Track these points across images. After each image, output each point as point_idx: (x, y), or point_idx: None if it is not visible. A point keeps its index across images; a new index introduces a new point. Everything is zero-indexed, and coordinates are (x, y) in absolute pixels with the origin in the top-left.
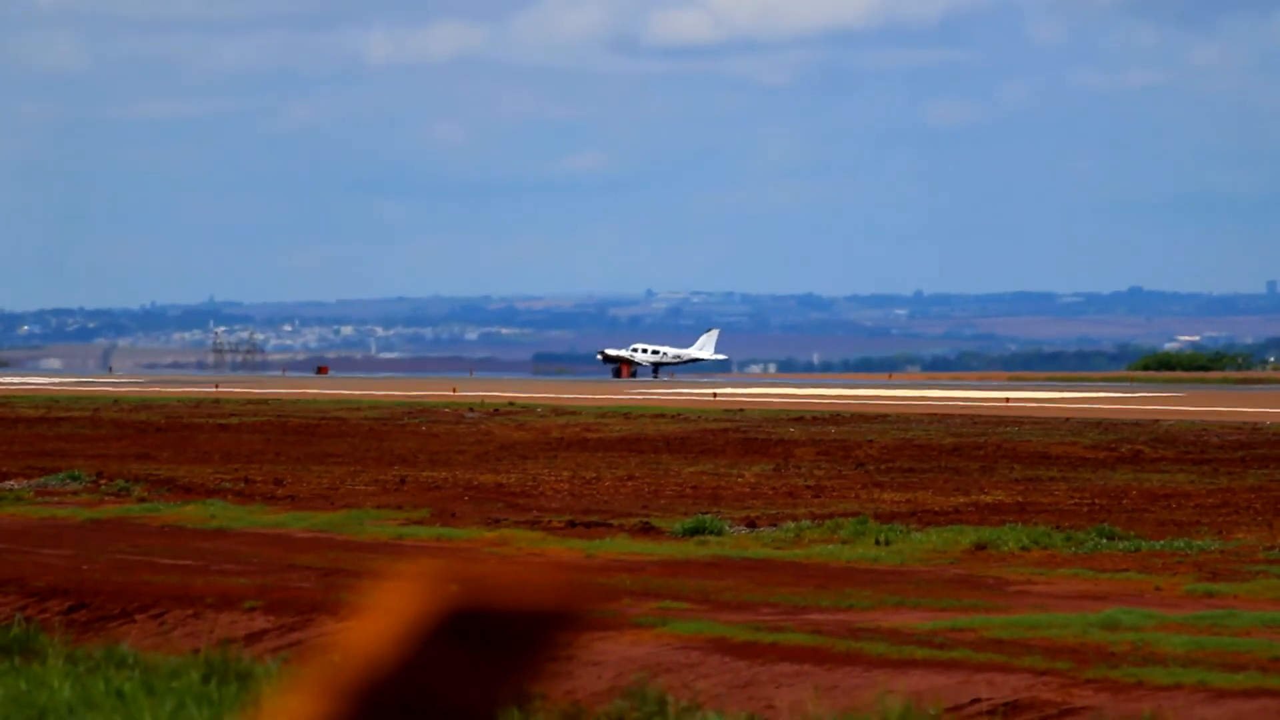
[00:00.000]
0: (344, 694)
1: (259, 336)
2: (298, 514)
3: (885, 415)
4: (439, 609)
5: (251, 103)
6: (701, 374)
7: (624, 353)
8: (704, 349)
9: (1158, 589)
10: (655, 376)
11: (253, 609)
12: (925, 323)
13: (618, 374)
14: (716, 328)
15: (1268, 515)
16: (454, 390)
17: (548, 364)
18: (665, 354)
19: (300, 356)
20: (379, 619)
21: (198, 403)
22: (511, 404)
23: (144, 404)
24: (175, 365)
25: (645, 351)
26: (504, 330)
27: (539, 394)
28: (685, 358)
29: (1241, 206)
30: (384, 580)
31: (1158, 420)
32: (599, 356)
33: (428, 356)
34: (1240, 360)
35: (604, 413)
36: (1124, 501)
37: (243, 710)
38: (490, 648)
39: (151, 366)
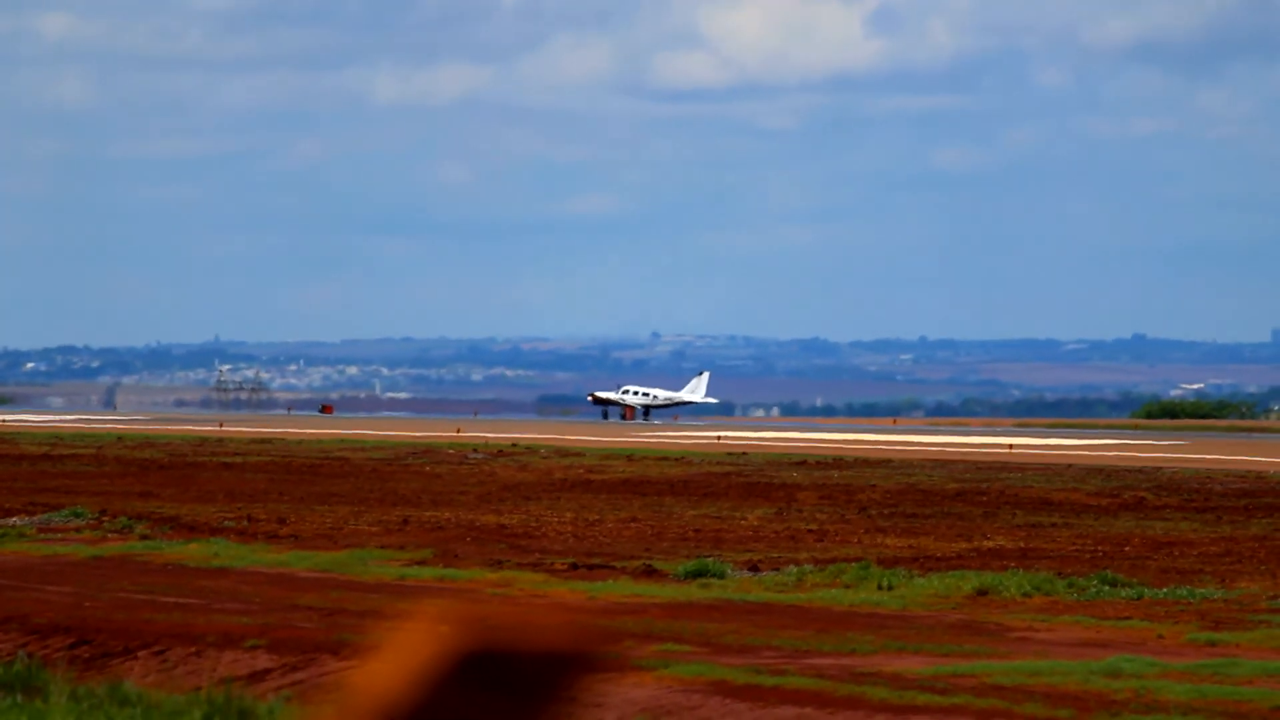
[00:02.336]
0: None
1: (264, 375)
2: (301, 553)
3: (888, 460)
4: (452, 650)
5: (258, 142)
6: (704, 417)
7: (614, 395)
8: (695, 392)
9: (1160, 637)
10: (646, 419)
11: (255, 648)
12: (929, 368)
13: (605, 415)
14: (707, 371)
15: (1271, 564)
16: (458, 431)
17: (552, 405)
18: (656, 396)
19: (305, 396)
20: (392, 660)
21: (201, 441)
22: (515, 445)
23: (148, 442)
24: (179, 404)
25: (635, 394)
26: (509, 372)
27: (543, 435)
28: (676, 400)
29: (1247, 254)
30: (396, 621)
31: (1161, 468)
32: (589, 399)
33: (432, 397)
34: (1244, 409)
35: (607, 455)
36: (1126, 549)
37: None
38: (503, 689)
39: (156, 405)
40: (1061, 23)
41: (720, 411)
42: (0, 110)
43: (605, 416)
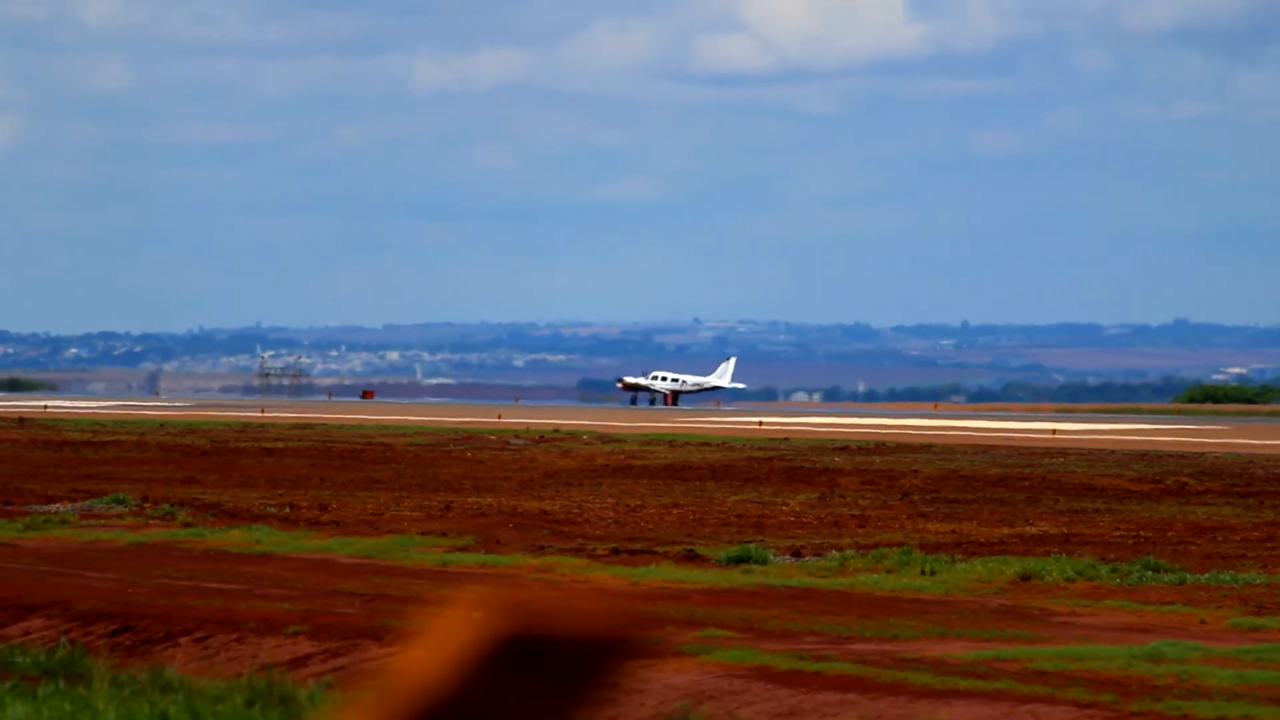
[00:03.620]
0: (400, 718)
1: (305, 361)
2: (342, 539)
3: (930, 445)
4: (494, 635)
5: (299, 127)
6: (748, 402)
7: (643, 380)
8: (722, 377)
9: (1203, 622)
10: (674, 404)
11: (297, 634)
12: (971, 353)
13: (634, 401)
14: (735, 355)
15: None
16: (499, 416)
17: (593, 391)
18: (684, 381)
19: (346, 381)
20: (434, 644)
21: (243, 427)
22: (557, 431)
23: (190, 428)
24: (221, 390)
25: (664, 379)
26: (550, 357)
27: (584, 421)
28: (704, 385)
29: None
30: (439, 606)
31: (1203, 453)
32: (618, 384)
33: (473, 382)
34: None
35: (649, 440)
36: (1169, 534)
37: None
38: (545, 674)
39: (197, 391)
40: (1102, 6)
41: (762, 397)
42: (41, 96)
43: (634, 402)
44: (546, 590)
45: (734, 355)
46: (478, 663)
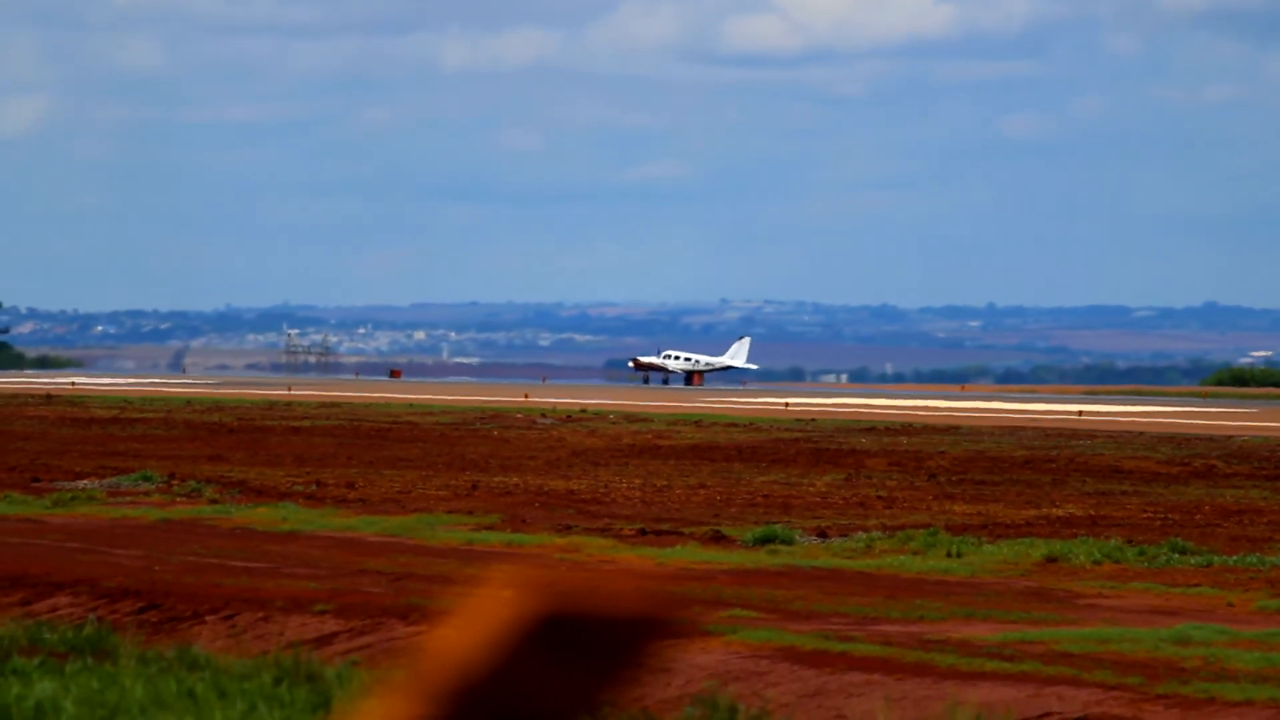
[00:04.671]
0: (436, 697)
1: (332, 339)
2: (369, 518)
3: (957, 427)
4: (528, 615)
5: (328, 107)
6: (774, 383)
7: (656, 360)
8: (736, 357)
9: (1230, 605)
10: (688, 384)
11: (323, 612)
12: (998, 334)
13: (646, 380)
14: (748, 336)
15: None
16: (526, 396)
17: (620, 370)
18: (697, 361)
19: (373, 360)
20: (468, 623)
21: (270, 405)
22: (584, 410)
23: (217, 406)
24: (249, 367)
25: (677, 359)
26: (577, 337)
27: (611, 400)
28: (717, 365)
29: None
30: (468, 586)
31: (1231, 435)
32: (630, 364)
33: (500, 362)
34: None
35: (676, 420)
36: (1196, 517)
37: (329, 711)
38: (579, 654)
39: (225, 368)
40: None
41: (789, 377)
42: (71, 76)
43: (646, 381)
44: (574, 570)
45: (748, 336)
46: (513, 642)
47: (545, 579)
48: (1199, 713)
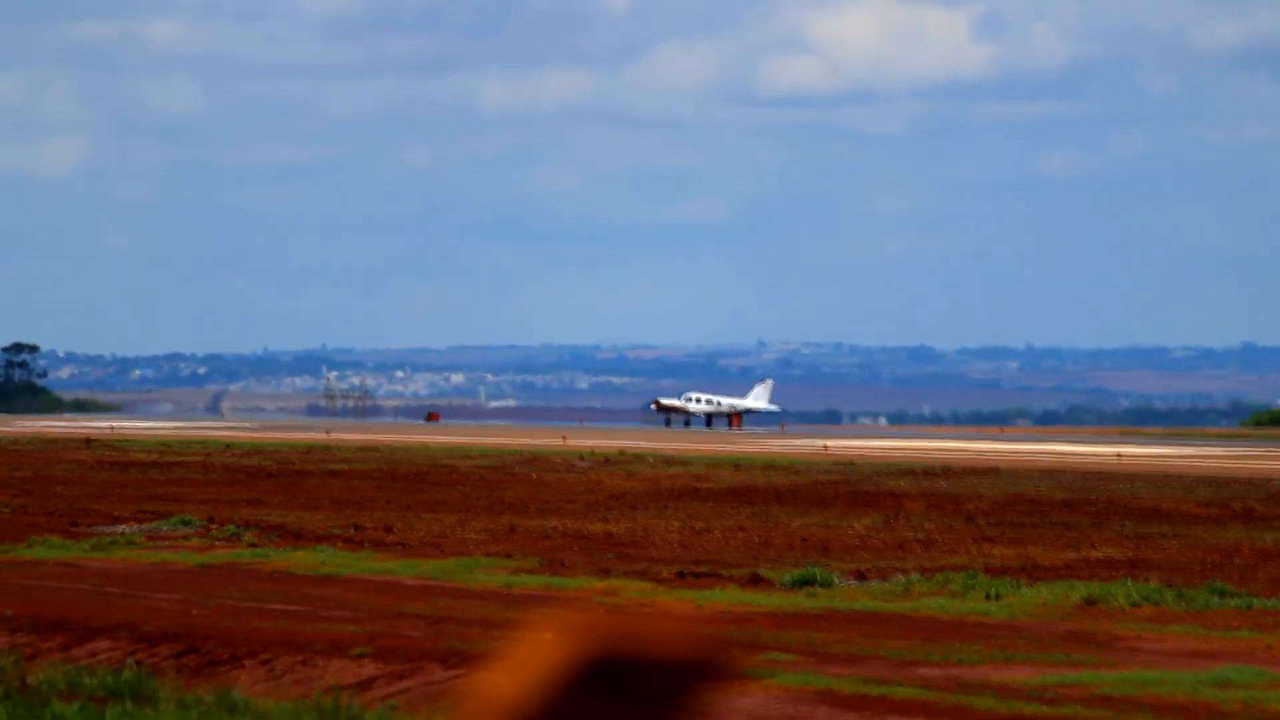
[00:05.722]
0: None
1: (370, 383)
2: (407, 561)
3: (996, 469)
4: (578, 658)
5: (365, 148)
6: (813, 425)
7: (677, 402)
8: (758, 399)
9: (1270, 647)
10: (708, 426)
11: (361, 656)
12: (1036, 376)
13: (668, 423)
14: (771, 379)
15: None
16: (564, 439)
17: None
18: (719, 404)
19: (411, 403)
20: (518, 666)
21: (309, 449)
22: (621, 453)
23: (255, 449)
24: (286, 411)
25: (698, 401)
26: (614, 379)
27: (649, 443)
28: (739, 408)
29: None
30: (513, 629)
31: (1270, 478)
32: (652, 406)
33: (537, 404)
34: None
35: (714, 463)
36: (1236, 559)
37: None
38: (628, 698)
39: (262, 412)
40: (1170, 28)
41: (826, 420)
42: (109, 117)
43: (668, 424)
44: (613, 614)
45: (770, 379)
46: (562, 686)
47: (588, 623)
48: None
